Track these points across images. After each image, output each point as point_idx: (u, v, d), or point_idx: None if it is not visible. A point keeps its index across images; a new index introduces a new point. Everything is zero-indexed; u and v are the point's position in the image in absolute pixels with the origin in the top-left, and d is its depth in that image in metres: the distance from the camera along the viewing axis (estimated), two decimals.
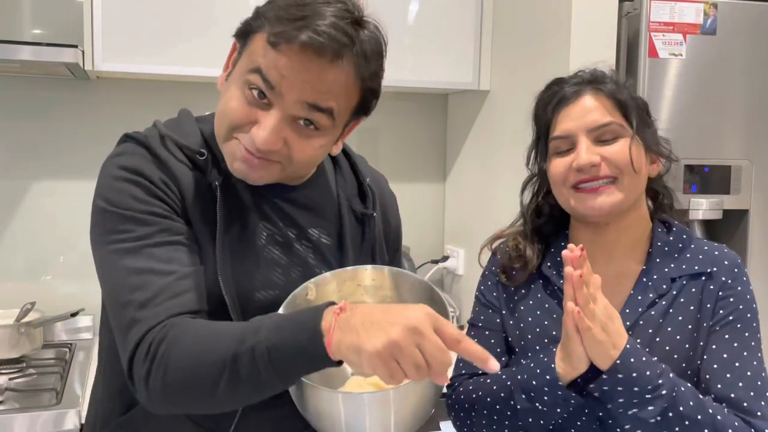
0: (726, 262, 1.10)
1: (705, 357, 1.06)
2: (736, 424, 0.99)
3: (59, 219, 2.10)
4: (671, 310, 1.08)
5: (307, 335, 0.80)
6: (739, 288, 1.09)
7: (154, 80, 2.09)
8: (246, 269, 0.98)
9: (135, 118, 2.21)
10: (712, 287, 1.09)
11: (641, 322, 1.08)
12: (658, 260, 1.12)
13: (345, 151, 1.16)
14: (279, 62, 0.88)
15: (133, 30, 1.86)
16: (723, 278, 1.09)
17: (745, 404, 1.01)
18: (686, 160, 1.86)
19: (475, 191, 2.31)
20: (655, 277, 1.11)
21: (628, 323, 1.07)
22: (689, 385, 1.02)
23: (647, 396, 0.97)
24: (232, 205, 0.98)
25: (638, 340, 1.04)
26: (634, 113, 1.11)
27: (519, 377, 1.08)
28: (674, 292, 1.09)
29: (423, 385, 0.89)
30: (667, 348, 1.06)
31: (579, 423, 1.08)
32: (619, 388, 0.98)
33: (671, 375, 1.00)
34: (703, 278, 1.09)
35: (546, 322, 1.14)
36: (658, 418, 0.97)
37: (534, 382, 1.05)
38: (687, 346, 1.07)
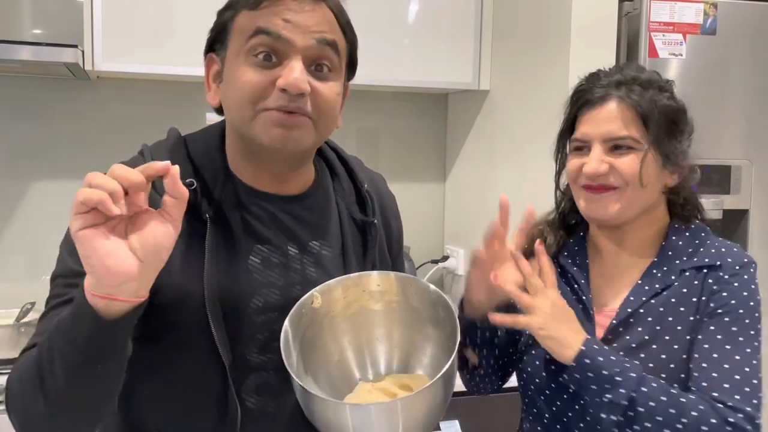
0: (730, 259, 1.10)
1: (692, 347, 1.07)
2: (701, 407, 0.99)
3: (59, 219, 2.09)
4: (673, 300, 1.10)
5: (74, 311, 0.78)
6: (736, 284, 1.08)
7: (154, 80, 2.09)
8: (238, 297, 0.95)
9: (135, 118, 2.22)
10: (710, 281, 1.09)
11: (642, 311, 1.10)
12: (670, 253, 1.14)
13: (341, 157, 1.15)
14: (274, 12, 0.90)
15: (133, 30, 1.86)
16: (721, 273, 1.09)
17: (715, 394, 1.01)
18: None
19: (475, 191, 2.31)
20: (665, 269, 1.12)
21: (629, 310, 1.10)
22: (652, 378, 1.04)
23: (617, 378, 1.01)
24: (223, 235, 0.95)
25: (639, 329, 1.09)
26: (656, 125, 1.10)
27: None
28: (677, 284, 1.11)
29: (431, 393, 0.89)
30: (667, 338, 1.08)
31: (565, 420, 1.12)
32: (589, 374, 1.02)
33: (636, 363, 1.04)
34: (706, 271, 1.10)
35: None
36: (625, 403, 1.00)
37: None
38: (688, 337, 1.07)
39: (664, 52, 1.82)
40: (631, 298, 1.12)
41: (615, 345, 1.09)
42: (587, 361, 1.02)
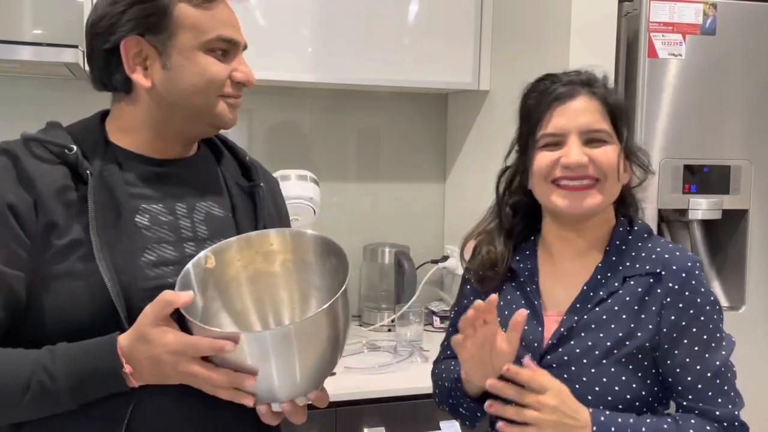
0: (674, 267, 1.10)
1: (668, 362, 1.09)
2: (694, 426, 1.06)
3: None
4: (616, 308, 1.10)
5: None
6: (687, 293, 1.08)
7: None
8: (128, 251, 1.00)
9: None
10: (659, 291, 1.09)
11: (585, 317, 1.11)
12: (614, 258, 1.14)
13: (221, 138, 1.22)
14: (221, 17, 1.05)
15: None
16: (670, 284, 1.09)
17: (707, 406, 1.07)
18: (686, 160, 1.86)
19: (475, 191, 2.31)
20: (609, 275, 1.13)
21: (575, 317, 1.11)
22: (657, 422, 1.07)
23: None
24: (107, 195, 1.02)
25: (582, 334, 1.10)
26: (622, 121, 1.14)
27: (447, 384, 1.22)
28: (620, 291, 1.11)
29: (320, 322, 0.93)
30: (609, 343, 1.08)
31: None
32: None
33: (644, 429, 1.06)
34: (651, 279, 1.10)
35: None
36: None
37: (452, 393, 1.19)
38: (627, 343, 1.08)
39: (663, 53, 1.82)
40: (577, 305, 1.12)
41: (560, 350, 1.10)
42: None
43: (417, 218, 2.45)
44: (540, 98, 1.15)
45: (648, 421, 1.06)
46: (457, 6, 2.15)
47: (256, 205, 1.17)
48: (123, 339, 0.93)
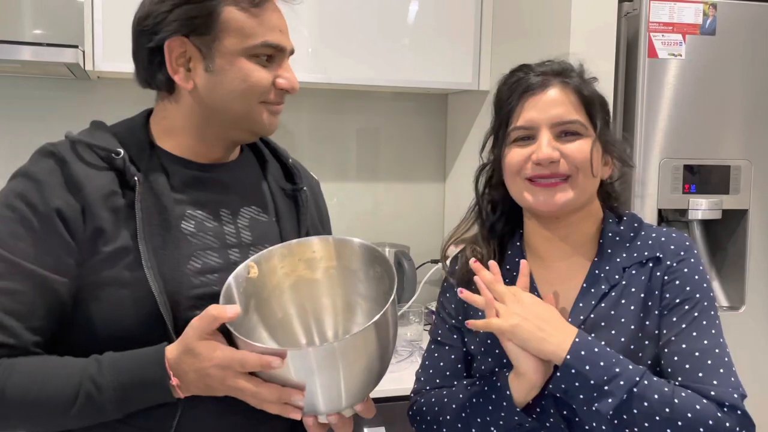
0: (672, 247, 1.08)
1: (660, 344, 1.05)
2: (698, 407, 0.96)
3: None
4: (623, 300, 1.07)
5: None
6: (685, 270, 1.06)
7: None
8: (174, 259, 0.99)
9: None
10: (658, 273, 1.07)
11: (593, 315, 1.07)
12: (609, 251, 1.11)
13: (264, 140, 1.20)
14: (268, 22, 1.03)
15: None
16: (668, 262, 1.07)
17: (698, 384, 0.99)
18: (685, 160, 1.86)
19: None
20: (607, 268, 1.09)
21: (581, 317, 1.07)
22: (649, 374, 0.99)
23: (605, 387, 0.97)
24: (153, 201, 1.00)
25: (592, 334, 1.04)
26: (598, 112, 1.10)
27: (474, 400, 1.09)
28: (624, 282, 1.08)
29: (366, 338, 0.91)
30: (623, 339, 1.05)
31: (548, 424, 1.07)
32: (576, 384, 0.98)
33: (630, 366, 0.99)
34: (651, 264, 1.08)
35: None
36: (611, 413, 0.97)
37: (490, 407, 1.06)
38: (640, 335, 1.05)
39: (663, 53, 1.82)
40: (580, 305, 1.08)
41: None
42: (582, 352, 0.98)
43: (417, 218, 2.45)
44: (512, 90, 1.11)
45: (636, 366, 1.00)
46: (457, 6, 2.15)
47: (298, 209, 1.15)
48: (170, 351, 0.93)
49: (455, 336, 1.20)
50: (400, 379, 1.75)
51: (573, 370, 0.98)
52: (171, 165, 1.05)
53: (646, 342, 1.05)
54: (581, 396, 0.99)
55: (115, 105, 2.14)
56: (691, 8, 1.83)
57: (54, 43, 1.71)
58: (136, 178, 0.99)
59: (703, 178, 1.88)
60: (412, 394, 1.22)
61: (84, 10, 1.81)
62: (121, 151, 1.00)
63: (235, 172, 1.11)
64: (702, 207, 1.87)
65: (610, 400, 0.97)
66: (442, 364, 1.20)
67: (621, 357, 1.00)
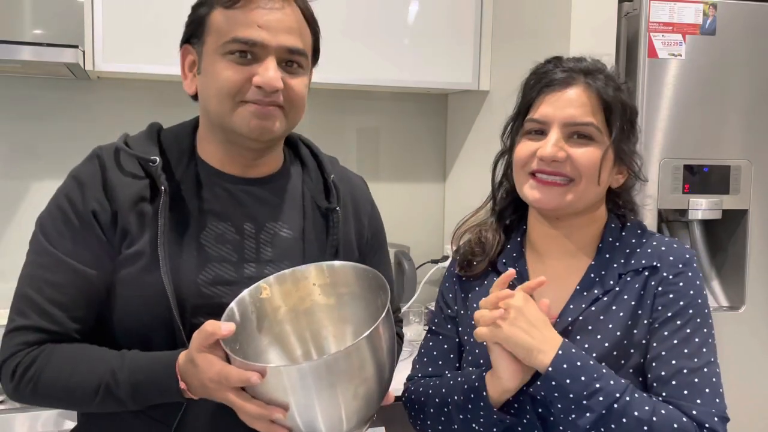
0: (671, 258, 1.06)
1: (648, 356, 1.03)
2: (675, 425, 0.96)
3: None
4: (613, 307, 1.06)
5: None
6: (681, 284, 1.04)
7: (154, 80, 2.09)
8: (187, 267, 1.03)
9: (135, 118, 2.21)
10: (653, 283, 1.05)
11: (581, 318, 1.06)
12: (607, 256, 1.10)
13: (313, 152, 1.20)
14: (247, 16, 1.00)
15: (133, 30, 1.86)
16: (664, 274, 1.05)
17: (680, 402, 0.99)
18: (686, 160, 1.86)
19: (475, 191, 2.31)
20: (603, 272, 1.08)
21: (570, 318, 1.07)
22: (632, 390, 0.99)
23: (584, 402, 0.97)
24: (179, 210, 1.04)
25: (578, 337, 1.04)
26: (618, 119, 1.07)
27: (455, 398, 1.09)
28: (617, 288, 1.07)
29: (360, 353, 0.89)
30: (606, 344, 1.04)
31: (524, 421, 1.07)
32: (555, 394, 0.99)
33: (612, 382, 0.98)
34: (646, 273, 1.06)
35: None
36: (587, 427, 0.97)
37: (469, 406, 1.07)
38: (626, 342, 1.04)
39: (663, 53, 1.82)
40: (571, 306, 1.08)
41: None
42: (564, 366, 0.98)
43: (417, 218, 2.45)
44: (537, 80, 1.10)
45: (617, 379, 1.00)
46: (457, 6, 2.15)
47: (329, 228, 1.13)
48: (182, 357, 0.97)
49: (449, 326, 1.21)
50: (402, 379, 1.75)
51: (553, 383, 0.98)
52: (207, 176, 1.08)
53: (632, 350, 1.04)
54: (560, 406, 1.00)
55: (115, 105, 2.15)
56: (691, 8, 1.83)
57: (54, 43, 1.71)
58: (162, 188, 1.02)
59: (703, 178, 1.88)
60: (406, 380, 1.25)
61: (84, 10, 1.81)
62: (157, 159, 1.04)
63: (270, 186, 1.12)
64: (702, 207, 1.87)
65: (588, 415, 0.97)
66: (435, 353, 1.22)
67: (605, 371, 0.99)
